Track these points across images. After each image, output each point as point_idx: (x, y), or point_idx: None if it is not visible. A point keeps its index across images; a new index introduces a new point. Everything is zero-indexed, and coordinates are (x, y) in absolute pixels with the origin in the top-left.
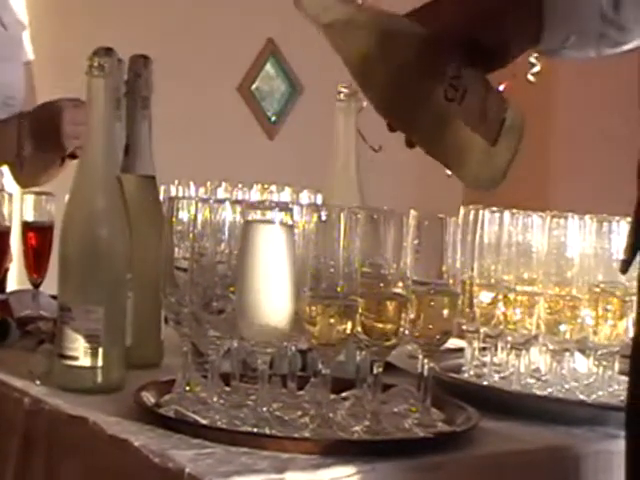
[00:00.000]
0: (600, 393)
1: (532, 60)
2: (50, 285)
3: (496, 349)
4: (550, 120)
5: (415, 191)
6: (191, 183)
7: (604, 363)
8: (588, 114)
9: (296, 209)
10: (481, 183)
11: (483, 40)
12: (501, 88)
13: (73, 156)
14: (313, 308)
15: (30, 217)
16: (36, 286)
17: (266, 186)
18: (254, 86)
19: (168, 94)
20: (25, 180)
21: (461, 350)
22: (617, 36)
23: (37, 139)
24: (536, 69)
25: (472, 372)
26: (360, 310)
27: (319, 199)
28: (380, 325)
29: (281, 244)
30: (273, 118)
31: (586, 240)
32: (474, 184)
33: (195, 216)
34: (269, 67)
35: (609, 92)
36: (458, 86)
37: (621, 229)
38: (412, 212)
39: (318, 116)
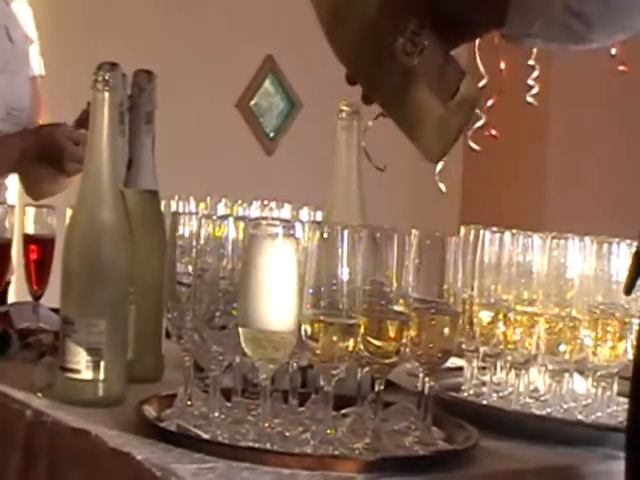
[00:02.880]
0: (599, 414)
1: (530, 82)
2: (50, 298)
3: (495, 368)
4: (545, 138)
5: (412, 208)
6: (191, 198)
7: (603, 384)
8: (584, 132)
9: (299, 226)
10: (430, 150)
11: (447, 9)
12: (489, 103)
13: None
14: (315, 325)
15: (31, 230)
16: (37, 298)
17: (266, 202)
18: (253, 102)
19: (167, 110)
20: (35, 191)
21: (460, 369)
22: (581, 30)
23: (39, 158)
24: (534, 91)
25: (471, 391)
26: (362, 328)
27: (319, 216)
28: (382, 343)
29: (284, 261)
30: (271, 134)
31: (586, 261)
32: (423, 151)
33: (198, 232)
34: (268, 84)
35: (605, 109)
36: (417, 42)
37: (621, 251)
38: (413, 231)
39: (316, 133)
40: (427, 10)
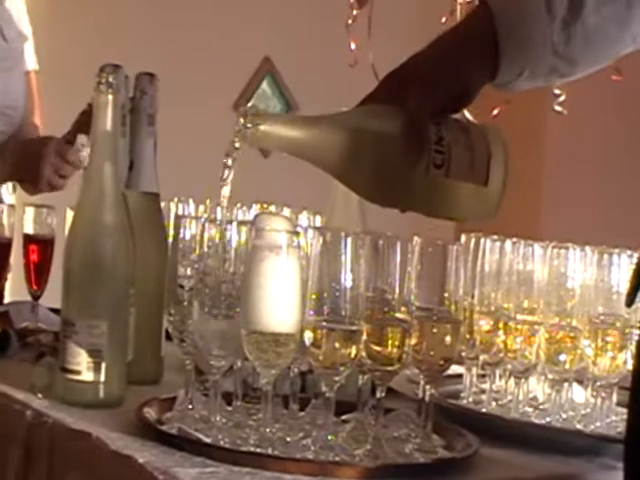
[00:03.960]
0: (598, 424)
1: (557, 91)
2: (49, 298)
3: (494, 376)
4: (542, 146)
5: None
6: (190, 201)
7: (602, 394)
8: (581, 141)
9: (301, 232)
10: (479, 218)
11: (446, 88)
12: (495, 112)
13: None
14: (318, 332)
15: (31, 230)
16: (36, 298)
17: (265, 205)
18: (250, 104)
19: (164, 111)
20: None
21: (459, 376)
22: (566, 69)
23: (16, 170)
24: (562, 99)
25: (470, 399)
26: (364, 335)
27: (318, 221)
28: (383, 350)
29: (287, 266)
30: None
31: (587, 271)
32: (472, 220)
33: (201, 236)
34: (265, 85)
35: (603, 119)
36: (443, 149)
37: (622, 261)
38: (415, 238)
39: None
40: (438, 111)
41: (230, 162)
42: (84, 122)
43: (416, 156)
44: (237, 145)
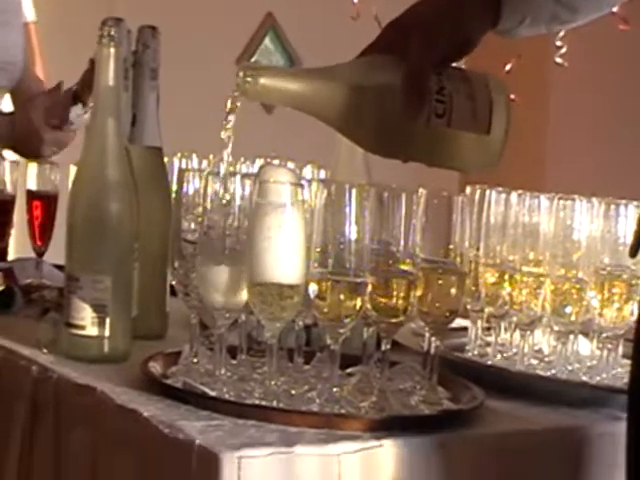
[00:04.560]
0: (604, 375)
1: (558, 43)
2: (53, 255)
3: (499, 329)
4: (547, 102)
5: (410, 170)
6: (194, 155)
7: (609, 346)
8: (585, 95)
9: (306, 184)
10: (481, 168)
11: (448, 37)
12: (507, 68)
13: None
14: (323, 284)
15: (34, 186)
16: (40, 255)
17: (269, 160)
18: (253, 60)
19: (166, 67)
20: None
21: (464, 329)
22: (567, 16)
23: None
24: (563, 50)
25: (475, 351)
26: (370, 287)
27: (322, 175)
28: (389, 302)
29: (291, 218)
30: None
31: (593, 223)
32: (475, 170)
33: (205, 189)
34: (268, 41)
35: (608, 69)
36: (444, 98)
37: (629, 212)
38: (421, 190)
39: None
40: (439, 61)
41: (231, 118)
42: (88, 79)
43: (417, 106)
44: (237, 98)
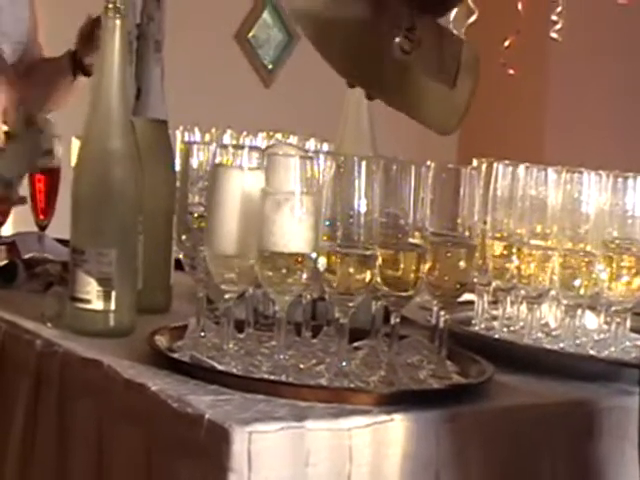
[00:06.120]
0: (612, 349)
1: (554, 18)
2: (56, 229)
3: (506, 303)
4: (547, 76)
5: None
6: (196, 129)
7: (617, 320)
8: (585, 65)
9: (314, 157)
10: (443, 126)
11: None
12: (506, 44)
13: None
14: (332, 257)
15: None
16: (42, 228)
17: (271, 134)
18: (251, 34)
19: (165, 41)
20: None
21: (470, 303)
22: None
23: None
24: (558, 26)
25: (482, 325)
26: (379, 260)
27: (325, 148)
28: (398, 275)
29: (300, 188)
30: (269, 66)
31: (601, 195)
32: (436, 128)
33: (213, 162)
34: (266, 15)
35: (606, 40)
36: (413, 38)
37: (637, 185)
38: (429, 163)
39: (314, 65)
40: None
41: None
42: (86, 34)
43: (385, 35)
44: None
